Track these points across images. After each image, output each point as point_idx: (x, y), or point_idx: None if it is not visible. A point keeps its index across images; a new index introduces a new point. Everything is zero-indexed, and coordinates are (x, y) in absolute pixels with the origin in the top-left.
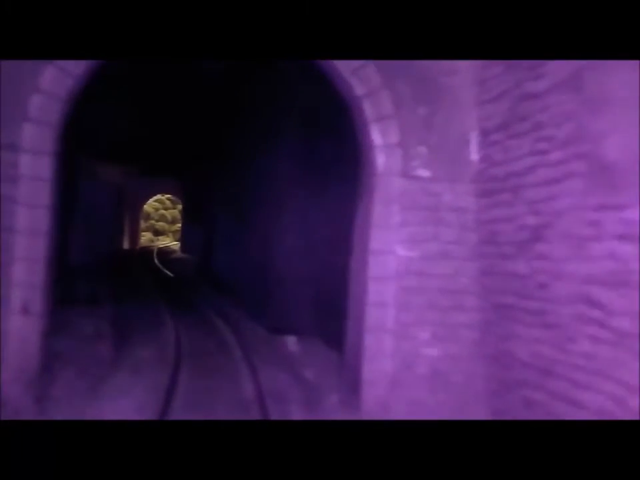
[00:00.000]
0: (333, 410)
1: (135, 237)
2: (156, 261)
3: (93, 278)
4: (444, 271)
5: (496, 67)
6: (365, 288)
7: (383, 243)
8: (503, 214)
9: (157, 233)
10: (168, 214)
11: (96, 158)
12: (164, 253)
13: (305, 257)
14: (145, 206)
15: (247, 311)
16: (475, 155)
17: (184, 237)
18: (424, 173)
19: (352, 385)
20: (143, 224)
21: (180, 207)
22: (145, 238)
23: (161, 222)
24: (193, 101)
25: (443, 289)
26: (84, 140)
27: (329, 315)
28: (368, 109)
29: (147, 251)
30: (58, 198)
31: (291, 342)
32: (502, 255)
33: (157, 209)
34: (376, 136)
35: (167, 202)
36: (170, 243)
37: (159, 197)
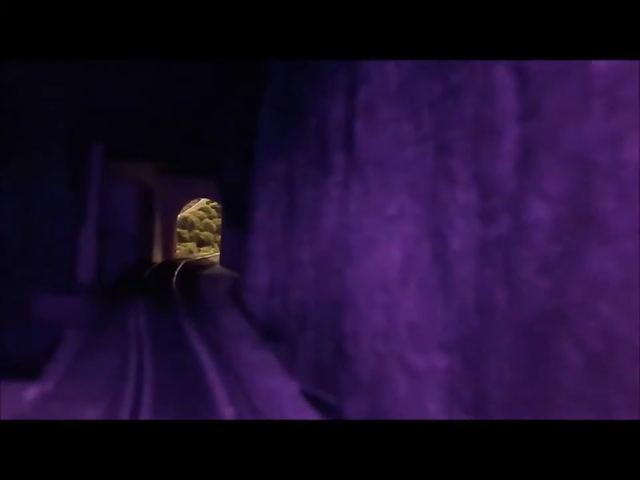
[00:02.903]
0: None
1: (168, 246)
2: (174, 281)
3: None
4: None
5: None
6: None
7: None
8: None
9: (202, 243)
10: (213, 223)
11: (117, 151)
12: (196, 267)
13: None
14: (187, 213)
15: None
16: None
17: (223, 247)
18: None
19: None
20: (186, 233)
21: None
22: (186, 248)
23: (205, 231)
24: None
25: None
26: (101, 128)
27: None
28: None
29: (176, 265)
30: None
31: None
32: None
33: (201, 218)
34: None
35: (213, 210)
36: (212, 254)
37: (203, 204)
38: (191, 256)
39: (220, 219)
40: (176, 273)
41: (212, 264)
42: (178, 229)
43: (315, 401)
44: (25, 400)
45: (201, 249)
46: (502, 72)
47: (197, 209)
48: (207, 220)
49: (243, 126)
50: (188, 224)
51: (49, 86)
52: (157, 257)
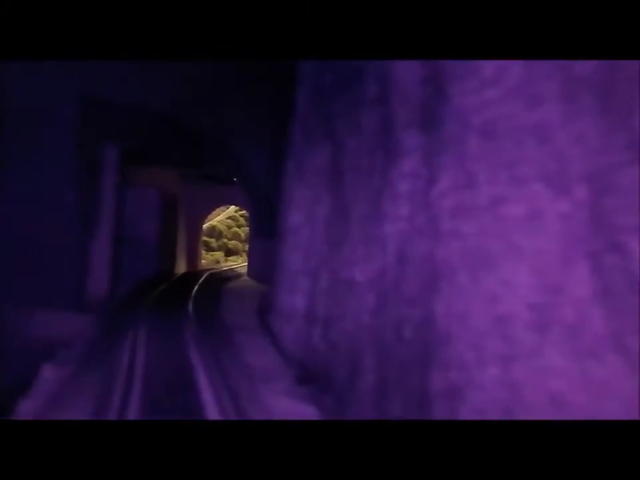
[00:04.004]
0: None
1: (193, 256)
2: (192, 296)
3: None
4: None
5: None
6: None
7: None
8: None
9: (230, 252)
10: (242, 232)
11: (135, 153)
12: (221, 279)
13: None
14: (215, 222)
15: None
16: None
17: (251, 258)
18: None
19: None
20: (214, 242)
21: None
22: (214, 258)
23: (234, 240)
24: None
25: None
26: (115, 128)
27: None
28: None
29: (199, 277)
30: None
31: None
32: None
33: (229, 227)
34: None
35: (241, 219)
36: (240, 264)
37: (232, 213)
38: (217, 266)
39: (249, 228)
40: (196, 286)
41: (238, 275)
42: (205, 238)
43: None
44: None
45: (229, 258)
46: None
47: (225, 217)
48: (236, 229)
49: (273, 115)
50: (216, 233)
51: (55, 79)
52: (180, 268)
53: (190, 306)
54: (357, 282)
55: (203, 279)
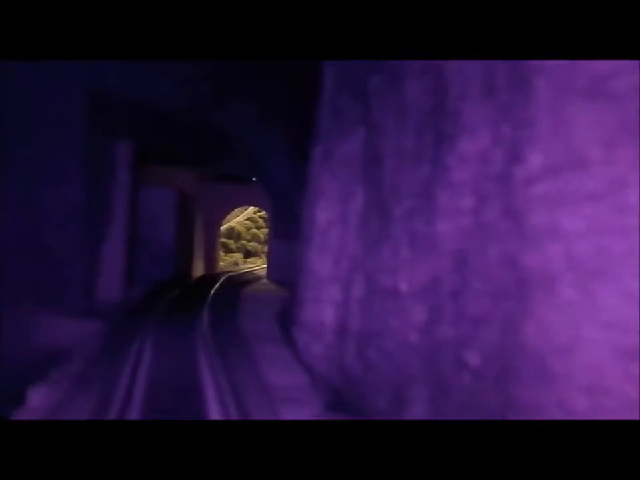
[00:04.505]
0: None
1: (211, 258)
2: (208, 301)
3: None
4: None
5: None
6: None
7: None
8: None
9: (249, 254)
10: (261, 233)
11: (150, 151)
12: (239, 283)
13: None
14: (233, 223)
15: None
16: None
17: (271, 260)
18: None
19: None
20: (232, 244)
21: None
22: (232, 259)
23: (253, 242)
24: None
25: None
26: (127, 122)
27: None
28: None
29: (216, 280)
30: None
31: None
32: None
33: (248, 228)
34: None
35: (260, 220)
36: (259, 265)
37: (250, 214)
38: (235, 268)
39: (268, 229)
40: (212, 291)
41: (258, 278)
42: (224, 240)
43: None
44: None
45: (248, 260)
46: None
47: (243, 219)
48: (254, 230)
49: (295, 110)
50: (234, 234)
51: (63, 72)
52: (198, 270)
53: (205, 313)
54: (400, 292)
55: (220, 282)
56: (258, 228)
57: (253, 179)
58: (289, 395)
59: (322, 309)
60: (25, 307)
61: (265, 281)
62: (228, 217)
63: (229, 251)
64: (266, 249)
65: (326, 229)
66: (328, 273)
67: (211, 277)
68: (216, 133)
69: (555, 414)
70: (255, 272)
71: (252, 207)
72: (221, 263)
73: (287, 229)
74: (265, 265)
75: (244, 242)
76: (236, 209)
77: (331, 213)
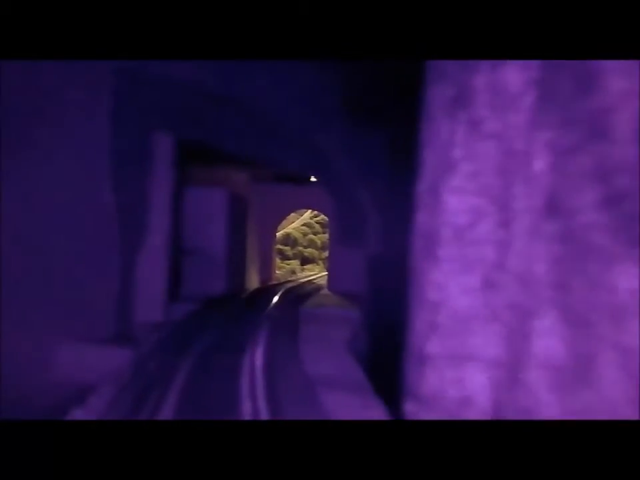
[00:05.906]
0: None
1: (266, 268)
2: (261, 325)
3: None
4: None
5: None
6: None
7: None
8: None
9: (306, 260)
10: (317, 239)
11: (196, 147)
12: (298, 297)
13: None
14: (289, 229)
15: None
16: None
17: (333, 268)
18: None
19: None
20: (289, 250)
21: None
22: (289, 267)
23: (309, 248)
24: None
25: None
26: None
27: None
28: None
29: (272, 294)
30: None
31: None
32: None
33: (305, 234)
34: None
35: (317, 226)
36: (317, 273)
37: (306, 219)
38: (293, 277)
39: (326, 235)
40: (267, 310)
41: (318, 288)
42: (279, 246)
43: None
44: None
45: (305, 267)
46: None
47: (299, 224)
48: (311, 236)
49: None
50: (290, 241)
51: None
52: (253, 281)
53: (257, 345)
54: None
55: (277, 297)
56: (315, 234)
57: (312, 178)
58: None
59: (465, 372)
60: (46, 334)
61: (325, 291)
62: (284, 222)
63: (285, 257)
64: (324, 255)
65: (466, 226)
66: (475, 308)
67: (266, 290)
68: (273, 126)
69: None
70: (315, 282)
71: (308, 212)
72: (277, 272)
73: (352, 234)
74: (324, 273)
75: (300, 248)
76: (291, 214)
77: (475, 199)
